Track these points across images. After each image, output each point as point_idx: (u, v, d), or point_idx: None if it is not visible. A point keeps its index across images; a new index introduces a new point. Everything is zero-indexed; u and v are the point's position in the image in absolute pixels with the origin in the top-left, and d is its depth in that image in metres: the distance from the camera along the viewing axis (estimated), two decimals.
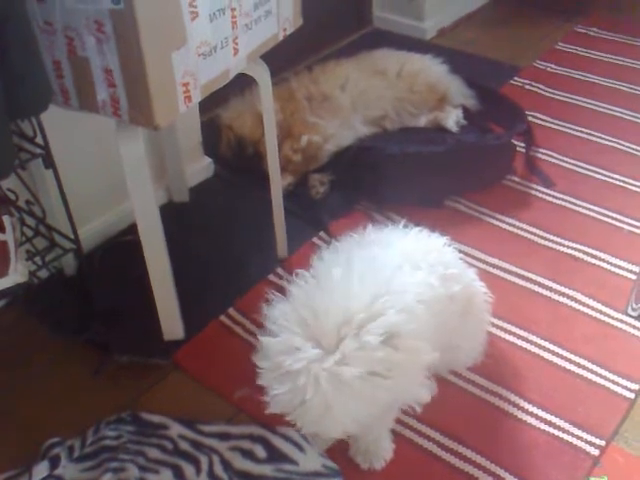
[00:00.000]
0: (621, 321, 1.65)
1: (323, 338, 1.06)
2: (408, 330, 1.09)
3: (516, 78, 2.61)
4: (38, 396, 1.52)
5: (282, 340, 1.07)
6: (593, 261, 1.82)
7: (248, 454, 1.37)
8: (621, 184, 2.08)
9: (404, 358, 1.08)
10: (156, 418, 1.44)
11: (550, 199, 2.04)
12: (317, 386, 1.04)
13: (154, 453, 1.38)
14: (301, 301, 1.11)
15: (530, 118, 2.32)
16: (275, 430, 1.39)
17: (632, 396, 1.48)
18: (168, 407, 1.47)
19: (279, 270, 1.81)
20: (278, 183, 1.77)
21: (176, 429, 1.42)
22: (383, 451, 1.36)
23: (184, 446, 1.39)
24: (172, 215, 1.89)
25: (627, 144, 2.24)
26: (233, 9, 1.31)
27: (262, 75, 1.56)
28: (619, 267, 1.79)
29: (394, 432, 1.39)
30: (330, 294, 1.10)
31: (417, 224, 1.40)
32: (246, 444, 1.38)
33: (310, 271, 1.21)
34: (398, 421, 1.39)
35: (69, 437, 1.41)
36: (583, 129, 2.32)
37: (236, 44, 1.35)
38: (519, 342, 1.61)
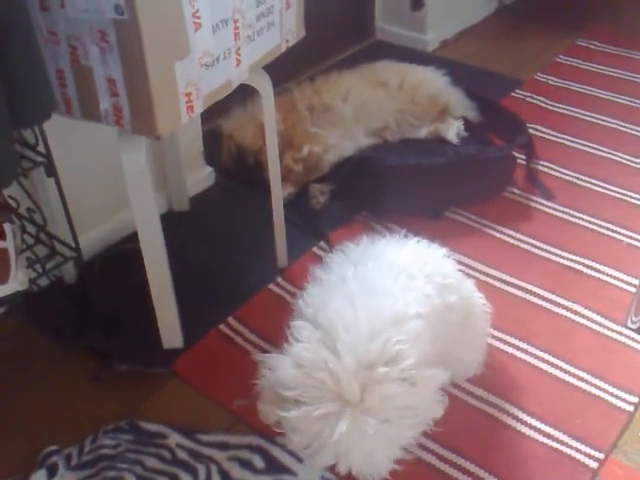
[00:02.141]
0: (620, 334, 1.65)
1: (346, 393, 1.04)
2: (420, 359, 1.10)
3: (517, 90, 2.62)
4: (37, 403, 1.51)
5: (311, 411, 1.04)
6: (593, 273, 1.82)
7: (246, 464, 1.37)
8: (621, 197, 2.08)
9: (423, 390, 1.09)
10: (154, 427, 1.44)
11: (550, 211, 2.04)
12: (356, 448, 1.04)
13: (152, 462, 1.38)
14: (312, 363, 1.07)
15: (531, 130, 2.33)
16: (274, 440, 1.39)
17: (631, 409, 1.48)
18: (167, 416, 1.47)
19: (279, 279, 1.81)
20: (279, 193, 1.78)
21: (174, 438, 1.41)
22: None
23: (182, 455, 1.39)
24: (172, 224, 1.89)
25: (628, 157, 2.24)
26: (236, 20, 1.32)
27: (264, 86, 1.57)
28: (618, 279, 1.79)
29: None
30: (340, 345, 1.07)
31: (417, 235, 1.40)
32: (245, 454, 1.38)
33: (306, 301, 1.20)
34: None
35: (67, 445, 1.40)
36: (584, 142, 2.33)
37: (239, 55, 1.36)
38: (518, 354, 1.61)
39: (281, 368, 1.10)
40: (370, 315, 1.11)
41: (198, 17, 1.22)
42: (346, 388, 1.04)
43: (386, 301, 1.14)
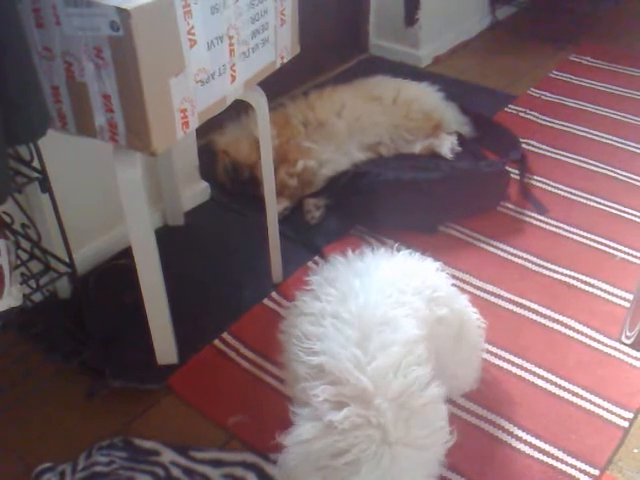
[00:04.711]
0: (615, 349, 1.65)
1: (392, 436, 1.05)
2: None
3: (511, 106, 2.63)
4: (30, 420, 1.51)
5: (374, 469, 1.04)
6: (586, 288, 1.82)
7: None
8: (614, 211, 2.09)
9: (442, 405, 1.12)
10: (148, 444, 1.43)
11: (544, 226, 2.05)
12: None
13: None
14: (351, 423, 1.06)
15: (524, 145, 2.34)
16: (268, 457, 1.38)
17: (626, 425, 1.48)
18: (161, 432, 1.46)
19: (274, 294, 1.81)
20: (274, 207, 1.78)
21: (168, 455, 1.41)
22: None
23: (176, 473, 1.38)
24: (167, 239, 1.90)
25: (620, 171, 2.26)
26: (231, 37, 1.32)
27: (259, 102, 1.57)
28: (612, 294, 1.80)
29: None
30: (371, 395, 1.08)
31: (410, 249, 1.40)
32: (239, 471, 1.37)
33: (303, 345, 1.19)
34: None
35: (61, 462, 1.39)
36: (577, 156, 2.34)
37: (233, 71, 1.37)
38: (513, 369, 1.61)
39: (316, 437, 1.07)
40: (383, 353, 1.12)
41: (193, 34, 1.23)
42: (393, 432, 1.05)
43: (394, 335, 1.15)
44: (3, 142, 1.15)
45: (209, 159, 2.18)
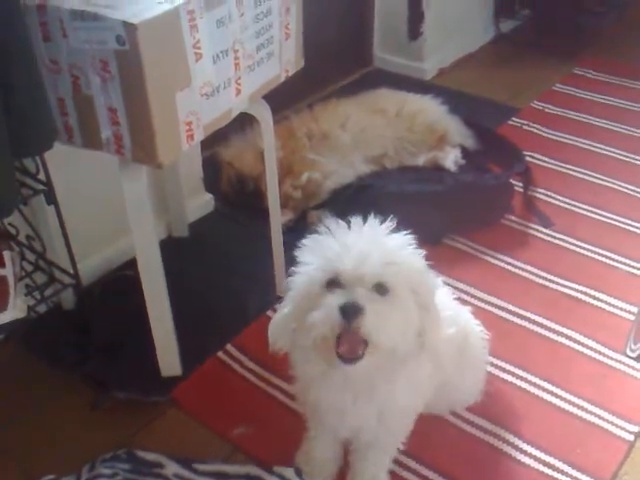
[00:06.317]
0: (620, 362, 1.65)
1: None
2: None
3: (514, 118, 2.64)
4: (34, 431, 1.50)
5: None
6: (591, 301, 1.82)
7: None
8: (618, 224, 2.09)
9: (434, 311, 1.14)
10: (151, 456, 1.42)
11: (548, 238, 2.05)
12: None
13: None
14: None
15: (528, 158, 2.35)
16: (272, 470, 1.38)
17: (631, 438, 1.47)
18: (165, 444, 1.46)
19: (278, 306, 1.80)
20: (278, 219, 1.78)
21: (172, 468, 1.40)
22: None
23: None
24: (171, 250, 1.89)
25: (624, 184, 2.26)
26: (236, 51, 1.33)
27: (264, 114, 1.58)
28: (617, 307, 1.79)
29: (391, 473, 1.38)
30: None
31: None
32: None
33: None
34: (395, 461, 1.38)
35: (64, 474, 1.39)
36: (581, 169, 2.34)
37: (239, 85, 1.38)
38: (517, 382, 1.60)
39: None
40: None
41: (199, 47, 1.23)
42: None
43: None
44: (10, 155, 1.15)
45: (214, 171, 2.19)
